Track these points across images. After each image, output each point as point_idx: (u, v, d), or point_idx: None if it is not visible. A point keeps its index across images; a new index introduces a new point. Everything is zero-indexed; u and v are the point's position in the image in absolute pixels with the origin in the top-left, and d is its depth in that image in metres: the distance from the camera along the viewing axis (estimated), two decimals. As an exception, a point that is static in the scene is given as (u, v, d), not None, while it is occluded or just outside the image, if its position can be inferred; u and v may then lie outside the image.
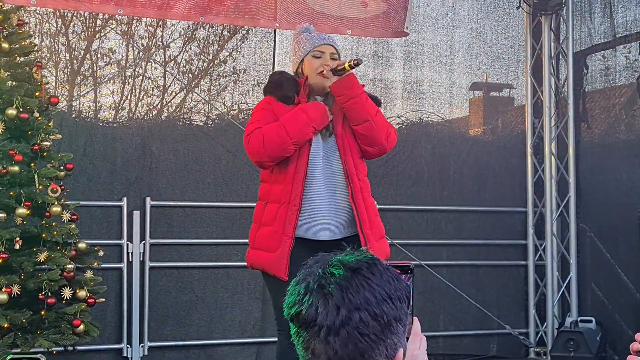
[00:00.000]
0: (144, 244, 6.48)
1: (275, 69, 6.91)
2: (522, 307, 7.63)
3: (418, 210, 7.42)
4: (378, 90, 7.31)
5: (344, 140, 4.22)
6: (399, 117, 7.48)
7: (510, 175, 7.70)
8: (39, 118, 5.24)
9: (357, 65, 4.12)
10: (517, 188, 7.67)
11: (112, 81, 6.92)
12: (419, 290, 7.28)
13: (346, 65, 4.12)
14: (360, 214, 4.17)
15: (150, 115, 6.98)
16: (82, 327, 5.09)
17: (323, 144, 4.23)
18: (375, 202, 4.38)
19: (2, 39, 5.24)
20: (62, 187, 5.28)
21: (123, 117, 6.91)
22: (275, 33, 6.96)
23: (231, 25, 6.98)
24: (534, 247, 7.56)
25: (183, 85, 7.03)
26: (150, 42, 7.07)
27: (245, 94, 7.08)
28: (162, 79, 7.02)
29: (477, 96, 8.11)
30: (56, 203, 5.17)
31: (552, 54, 7.55)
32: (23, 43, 5.38)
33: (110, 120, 6.85)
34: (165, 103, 7.11)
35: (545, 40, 7.52)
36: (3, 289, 4.88)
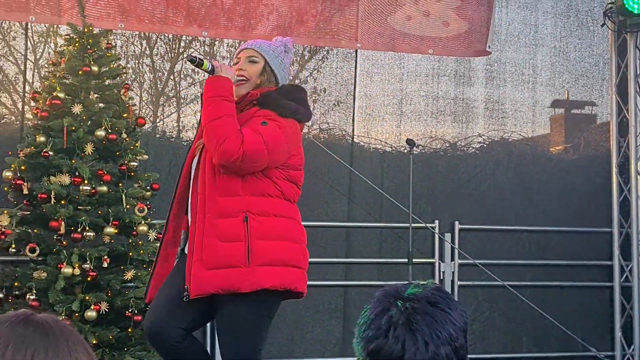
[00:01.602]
0: (226, 262, 6.52)
1: (357, 89, 6.96)
2: (607, 329, 7.47)
3: (501, 230, 7.34)
4: (460, 110, 7.29)
5: (203, 157, 3.82)
6: (481, 136, 7.42)
7: (594, 194, 7.56)
8: (127, 139, 5.35)
9: (192, 63, 3.84)
10: (601, 208, 7.52)
11: (195, 101, 7.01)
12: (502, 311, 7.19)
13: None
14: (196, 237, 3.64)
15: (233, 134, 7.05)
16: (167, 344, 5.15)
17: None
18: (272, 226, 3.69)
19: (92, 62, 5.37)
20: (149, 207, 5.38)
21: (206, 137, 6.98)
22: (356, 53, 6.98)
23: (311, 46, 7.02)
24: (620, 268, 7.40)
25: (265, 105, 7.08)
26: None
27: (326, 113, 7.10)
28: (244, 99, 7.09)
29: (558, 113, 8.00)
30: (143, 222, 5.27)
31: (638, 72, 7.40)
32: (111, 66, 5.51)
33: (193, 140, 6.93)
34: (247, 123, 7.17)
35: (630, 58, 7.38)
36: (92, 307, 4.99)
